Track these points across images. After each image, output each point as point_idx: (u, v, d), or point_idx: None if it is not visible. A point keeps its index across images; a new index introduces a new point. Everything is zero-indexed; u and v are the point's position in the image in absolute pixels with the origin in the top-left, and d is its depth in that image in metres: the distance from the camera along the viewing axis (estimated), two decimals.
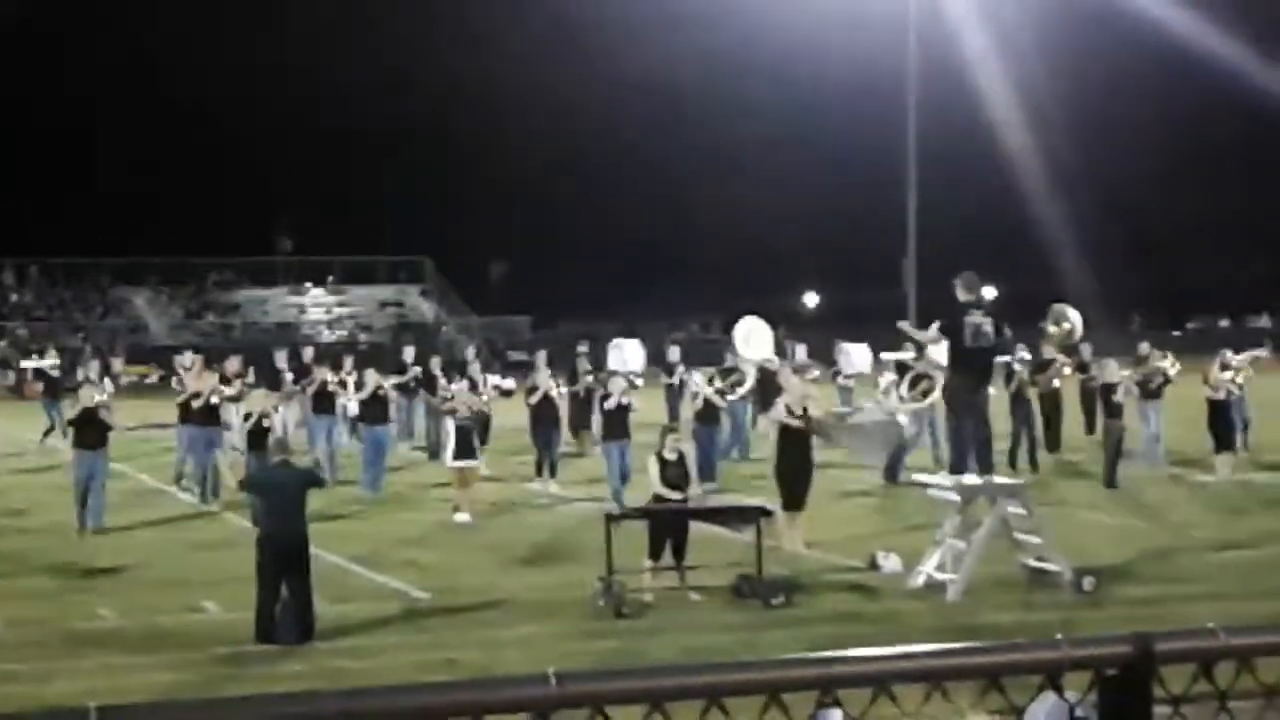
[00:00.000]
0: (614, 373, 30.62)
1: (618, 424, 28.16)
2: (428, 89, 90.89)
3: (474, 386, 31.63)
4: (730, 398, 32.43)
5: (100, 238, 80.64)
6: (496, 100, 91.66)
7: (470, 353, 41.30)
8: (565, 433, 33.55)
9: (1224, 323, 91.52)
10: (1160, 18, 69.35)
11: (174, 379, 33.41)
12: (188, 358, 37.15)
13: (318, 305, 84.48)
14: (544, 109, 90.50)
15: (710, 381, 31.66)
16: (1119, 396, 30.41)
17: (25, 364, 51.06)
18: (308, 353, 36.94)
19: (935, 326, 21.26)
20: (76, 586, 20.63)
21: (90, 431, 25.72)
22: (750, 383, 33.20)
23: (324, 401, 32.63)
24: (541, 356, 33.25)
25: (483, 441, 32.71)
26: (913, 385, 30.84)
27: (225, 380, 32.07)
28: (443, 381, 34.25)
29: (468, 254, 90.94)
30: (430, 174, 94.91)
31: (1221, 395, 31.32)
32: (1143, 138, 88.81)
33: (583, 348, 38.68)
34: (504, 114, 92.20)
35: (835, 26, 72.39)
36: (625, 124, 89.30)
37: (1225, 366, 33.50)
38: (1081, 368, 34.13)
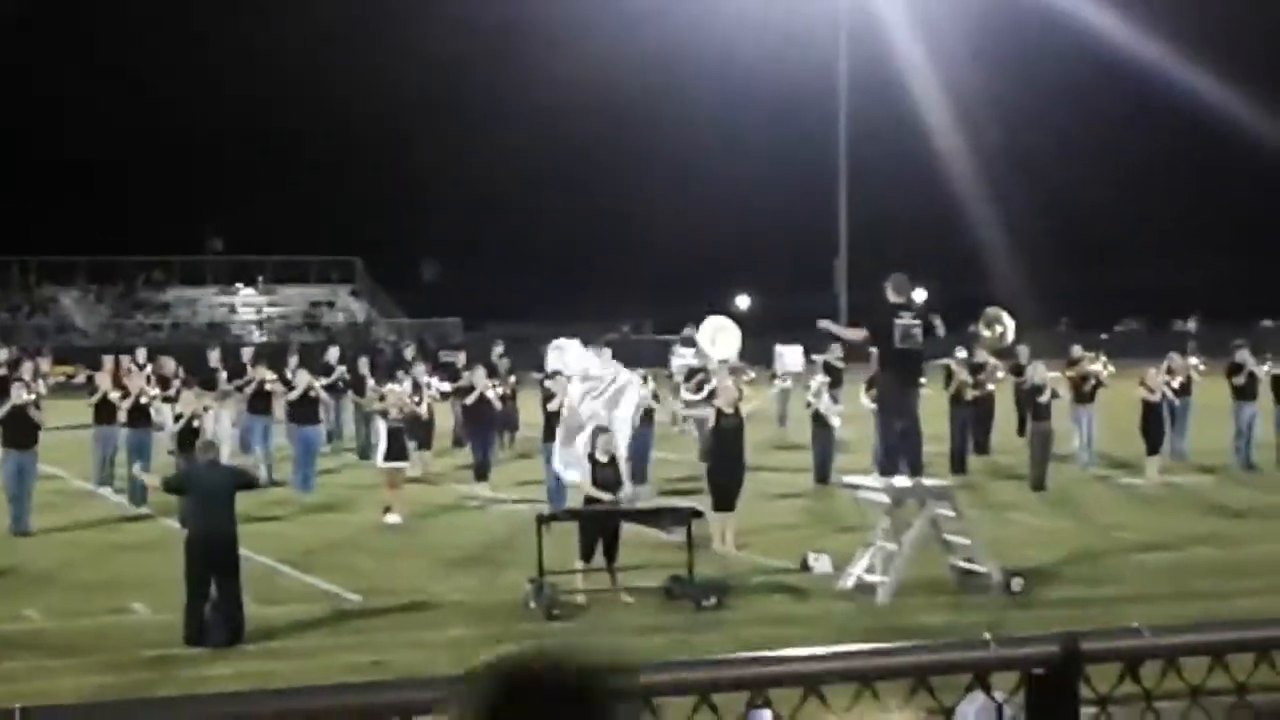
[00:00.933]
0: (555, 374, 30.51)
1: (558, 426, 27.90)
2: (360, 89, 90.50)
3: (417, 388, 31.50)
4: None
5: (27, 236, 79.95)
6: (430, 101, 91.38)
7: (409, 353, 41.16)
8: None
9: (1141, 326, 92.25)
10: (1092, 20, 69.90)
11: (92, 378, 32.95)
12: (140, 355, 36.89)
13: (248, 305, 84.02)
14: (478, 110, 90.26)
15: (645, 382, 31.61)
16: (1045, 398, 30.60)
17: None
18: (246, 353, 36.72)
19: (863, 328, 21.39)
20: (2, 588, 20.45)
21: (20, 431, 25.51)
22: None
23: (261, 402, 32.42)
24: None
25: (425, 445, 32.62)
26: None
27: (164, 381, 31.88)
28: (371, 382, 34.11)
29: (399, 254, 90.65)
30: (362, 174, 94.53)
31: (1156, 398, 31.58)
32: (1073, 140, 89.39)
33: (498, 348, 38.54)
34: (437, 115, 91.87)
35: (767, 30, 72.63)
36: (558, 126, 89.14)
37: (1170, 370, 33.87)
38: (1017, 370, 34.34)
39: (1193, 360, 36.13)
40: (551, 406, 28.08)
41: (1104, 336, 73.22)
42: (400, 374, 33.34)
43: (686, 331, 42.45)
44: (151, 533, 25.09)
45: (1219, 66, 73.06)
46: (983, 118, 77.72)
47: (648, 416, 31.28)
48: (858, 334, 21.81)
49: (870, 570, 19.68)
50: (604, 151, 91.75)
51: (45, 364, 40.00)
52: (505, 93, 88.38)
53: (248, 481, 18.98)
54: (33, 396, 26.23)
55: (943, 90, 72.17)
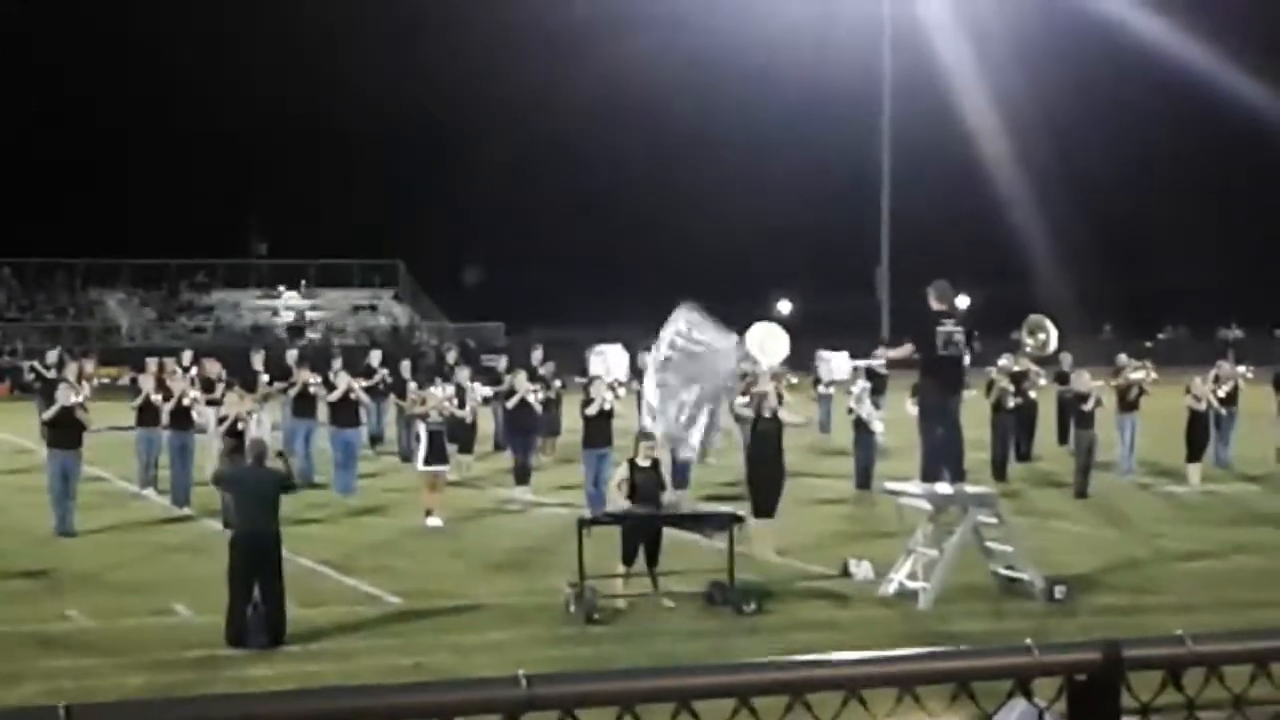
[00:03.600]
0: (596, 379, 30.50)
1: (599, 431, 27.94)
2: (403, 93, 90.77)
3: (460, 392, 31.55)
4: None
5: (73, 239, 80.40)
6: (472, 105, 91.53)
7: (451, 356, 41.19)
8: None
9: (1185, 333, 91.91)
10: (1137, 25, 69.62)
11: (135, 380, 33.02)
12: (186, 357, 37.07)
13: (291, 308, 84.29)
14: (520, 115, 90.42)
15: None
16: (1089, 405, 30.52)
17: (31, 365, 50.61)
18: (291, 355, 36.82)
19: (907, 343, 21.34)
20: (46, 588, 20.55)
21: (66, 432, 25.66)
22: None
23: (304, 404, 32.52)
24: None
25: (466, 449, 32.65)
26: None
27: (208, 383, 32.02)
28: (412, 385, 34.16)
29: (441, 258, 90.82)
30: (405, 178, 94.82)
31: (1202, 407, 31.48)
32: (1118, 146, 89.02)
33: (538, 352, 38.53)
34: (480, 119, 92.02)
35: (811, 33, 72.50)
36: (602, 131, 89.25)
37: (1218, 378, 33.75)
38: (1061, 378, 34.23)
39: (1240, 368, 35.96)
40: (591, 411, 28.08)
41: (1148, 344, 72.99)
42: (439, 378, 33.38)
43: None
44: (194, 534, 25.20)
45: (1266, 72, 72.67)
46: (1027, 123, 77.45)
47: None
48: (905, 350, 21.72)
49: (912, 577, 19.64)
50: (647, 155, 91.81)
51: (90, 366, 40.13)
52: (549, 96, 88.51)
53: (289, 484, 19.02)
54: (80, 398, 26.37)
55: (986, 95, 71.95)
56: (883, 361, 34.04)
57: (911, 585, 19.50)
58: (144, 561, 22.63)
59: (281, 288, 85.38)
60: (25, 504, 27.93)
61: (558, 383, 36.40)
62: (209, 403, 30.14)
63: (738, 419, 32.48)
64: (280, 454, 19.83)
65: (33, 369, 43.97)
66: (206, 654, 16.46)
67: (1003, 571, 19.84)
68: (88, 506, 26.54)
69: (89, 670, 15.64)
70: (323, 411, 32.24)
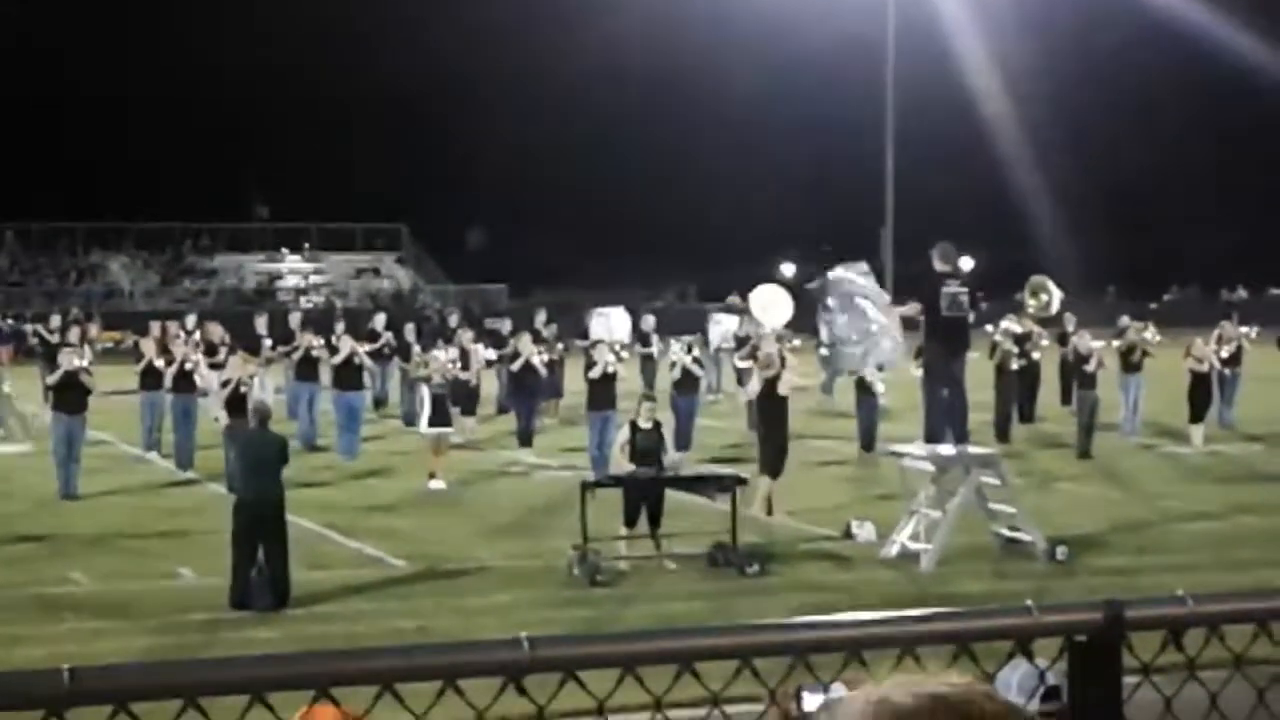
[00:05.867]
0: (599, 342, 30.51)
1: (602, 393, 27.96)
2: (404, 55, 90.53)
3: (464, 355, 31.58)
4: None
5: (75, 202, 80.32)
6: (475, 67, 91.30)
7: (454, 320, 41.22)
8: None
9: (1189, 294, 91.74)
10: None
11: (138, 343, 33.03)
12: (189, 321, 37.07)
13: (294, 272, 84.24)
14: (521, 77, 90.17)
15: (688, 350, 31.61)
16: (1092, 367, 30.53)
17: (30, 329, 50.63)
18: (294, 319, 36.81)
19: (913, 301, 21.33)
20: (50, 551, 20.59)
21: (71, 396, 25.70)
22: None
23: (307, 368, 32.54)
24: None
25: (470, 412, 32.67)
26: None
27: (211, 347, 32.05)
28: (416, 349, 34.18)
29: (444, 221, 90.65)
30: (408, 141, 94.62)
31: (1204, 368, 31.50)
32: (1122, 107, 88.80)
33: (541, 315, 38.56)
34: (482, 81, 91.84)
35: None
36: (603, 92, 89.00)
37: (1221, 339, 33.75)
38: (1064, 339, 34.25)
39: (1244, 329, 35.96)
40: (594, 374, 28.12)
41: (1152, 305, 72.92)
42: (443, 341, 33.40)
43: (732, 299, 42.41)
44: (198, 497, 25.24)
45: (1272, 33, 72.44)
46: (1031, 84, 77.27)
47: (691, 383, 31.32)
48: (912, 309, 21.70)
49: (914, 538, 19.67)
50: (650, 118, 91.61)
51: (93, 329, 40.23)
52: (552, 59, 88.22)
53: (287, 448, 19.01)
54: (84, 362, 26.41)
55: (990, 56, 71.78)
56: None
57: (913, 547, 19.53)
58: (148, 525, 22.67)
59: (284, 251, 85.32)
60: (29, 468, 27.99)
61: (561, 345, 36.41)
62: (212, 366, 30.18)
63: (739, 379, 32.51)
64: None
65: (36, 333, 43.99)
66: (210, 617, 16.51)
67: (1005, 532, 19.88)
68: (92, 470, 26.58)
69: (93, 633, 15.69)
70: (326, 375, 32.25)
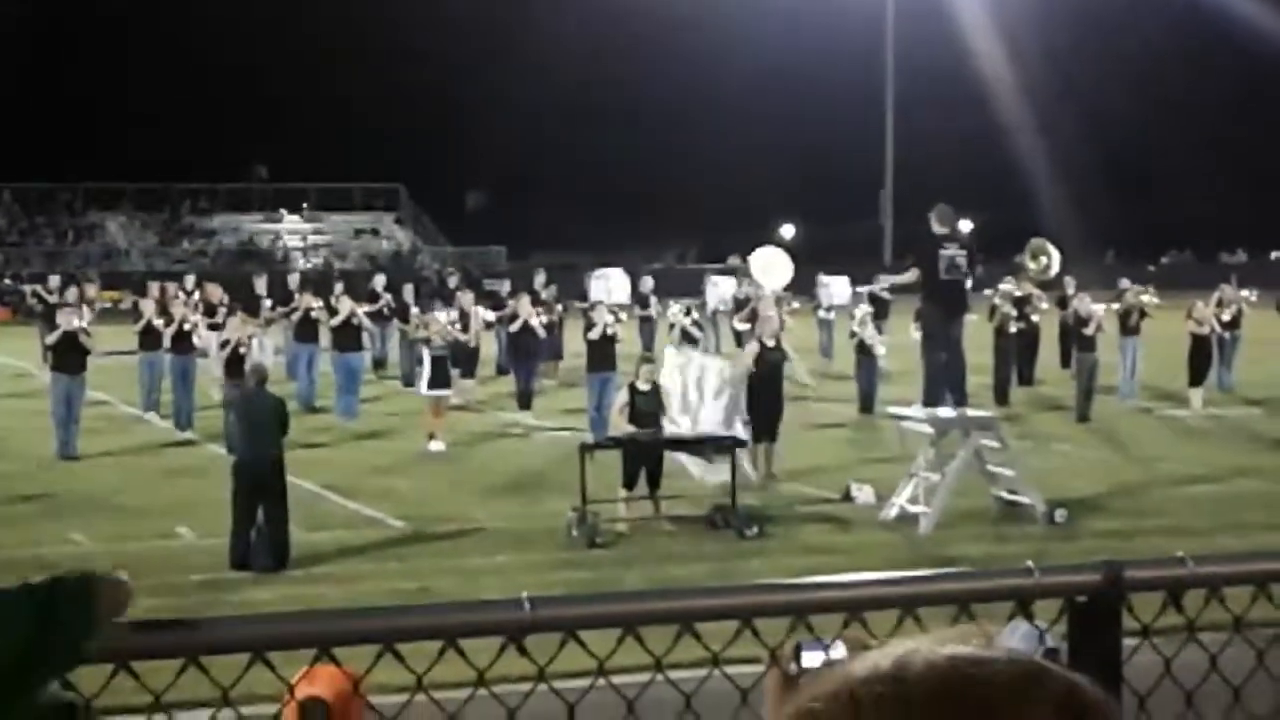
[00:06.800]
0: (598, 303, 30.49)
1: (602, 355, 27.94)
2: (405, 15, 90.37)
3: (464, 316, 31.57)
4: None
5: (74, 162, 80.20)
6: (474, 29, 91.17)
7: (453, 281, 41.24)
8: None
9: (1188, 258, 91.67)
10: None
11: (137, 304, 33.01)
12: (189, 282, 37.06)
13: (293, 232, 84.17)
14: (522, 40, 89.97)
15: (687, 313, 31.63)
16: (1091, 330, 30.53)
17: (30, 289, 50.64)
18: (292, 280, 36.78)
19: (912, 266, 21.33)
20: (49, 512, 20.61)
21: (70, 356, 25.71)
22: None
23: (307, 329, 32.52)
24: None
25: (469, 373, 32.67)
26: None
27: (210, 307, 32.04)
28: (415, 310, 34.17)
29: (443, 182, 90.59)
30: (407, 102, 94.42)
31: (1205, 331, 31.50)
32: (1123, 70, 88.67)
33: (540, 276, 38.58)
34: (482, 43, 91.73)
35: None
36: (603, 55, 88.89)
37: (1221, 302, 33.75)
38: (1062, 302, 34.23)
39: (1244, 292, 35.96)
40: (593, 336, 28.11)
41: (1151, 268, 72.90)
42: (442, 302, 33.39)
43: (732, 261, 42.43)
44: (197, 458, 25.26)
45: None
46: (1031, 46, 77.11)
47: (690, 345, 31.32)
48: (910, 276, 21.69)
49: (913, 501, 19.69)
50: (650, 81, 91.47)
51: (92, 290, 40.16)
52: (552, 22, 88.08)
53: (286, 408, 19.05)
54: (83, 323, 26.42)
55: (989, 19, 71.64)
56: (887, 286, 33.99)
57: (913, 509, 19.55)
58: (147, 485, 22.69)
59: (283, 211, 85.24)
60: (28, 428, 27.99)
61: (560, 307, 36.38)
62: (211, 327, 30.19)
63: (738, 341, 32.52)
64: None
65: (35, 293, 43.99)
66: (210, 577, 16.53)
67: (1004, 495, 19.90)
68: (91, 431, 26.60)
69: None
70: (325, 336, 32.25)
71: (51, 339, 26.62)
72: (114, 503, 21.26)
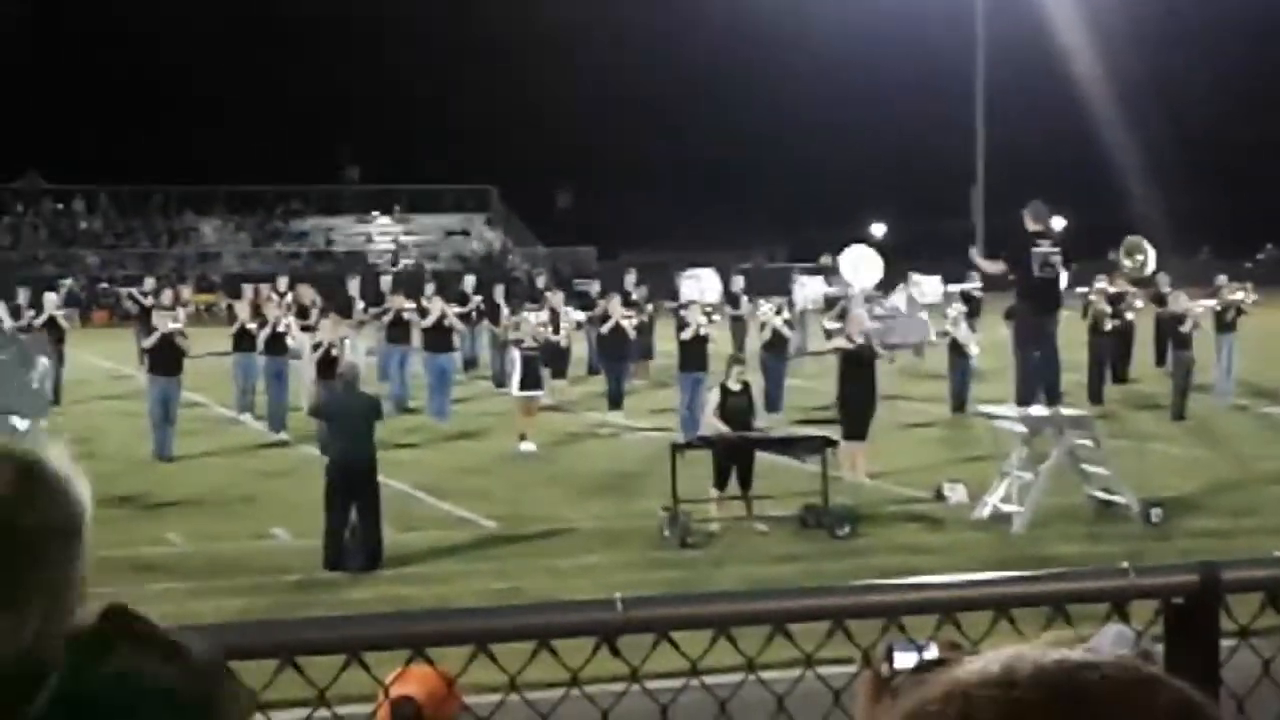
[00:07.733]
0: (691, 303, 30.48)
1: (693, 355, 27.92)
2: (493, 16, 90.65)
3: (554, 316, 31.65)
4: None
5: (168, 165, 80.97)
6: (562, 28, 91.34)
7: (543, 281, 41.38)
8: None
9: None
10: None
11: (231, 306, 33.28)
12: (281, 284, 37.39)
13: (384, 234, 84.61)
14: (608, 37, 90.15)
15: (778, 312, 31.53)
16: (1187, 327, 30.24)
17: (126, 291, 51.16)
18: (384, 281, 37.00)
19: (1003, 262, 21.22)
20: (145, 513, 20.80)
21: (166, 358, 25.97)
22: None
23: (398, 330, 32.71)
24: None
25: (560, 373, 32.72)
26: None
27: (303, 309, 32.28)
28: (505, 311, 34.27)
29: (534, 183, 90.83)
30: (497, 102, 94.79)
31: None
32: (1213, 64, 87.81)
33: (631, 276, 38.60)
34: (570, 42, 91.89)
35: None
36: (691, 51, 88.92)
37: None
38: (1159, 300, 33.93)
39: None
40: (685, 335, 28.09)
41: (1248, 265, 72.14)
42: (533, 303, 33.50)
43: (823, 260, 42.26)
44: (291, 459, 25.44)
45: None
46: (1121, 41, 76.44)
47: (781, 344, 31.24)
48: (997, 267, 21.60)
49: (1006, 500, 19.56)
50: (741, 78, 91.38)
51: (186, 292, 40.59)
52: (641, 17, 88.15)
53: (381, 408, 19.16)
54: (179, 325, 26.68)
55: (1081, 14, 71.05)
56: (979, 285, 33.74)
57: (1006, 508, 19.42)
58: (242, 486, 22.87)
59: (375, 213, 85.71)
60: (125, 429, 28.27)
61: (650, 307, 36.37)
62: (304, 329, 30.38)
63: (828, 337, 32.38)
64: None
65: (130, 296, 44.46)
66: (304, 578, 16.64)
67: (1099, 494, 19.74)
68: (186, 432, 26.85)
69: (189, 593, 15.84)
70: (417, 337, 32.42)
71: (148, 342, 26.91)
72: (209, 503, 21.46)
